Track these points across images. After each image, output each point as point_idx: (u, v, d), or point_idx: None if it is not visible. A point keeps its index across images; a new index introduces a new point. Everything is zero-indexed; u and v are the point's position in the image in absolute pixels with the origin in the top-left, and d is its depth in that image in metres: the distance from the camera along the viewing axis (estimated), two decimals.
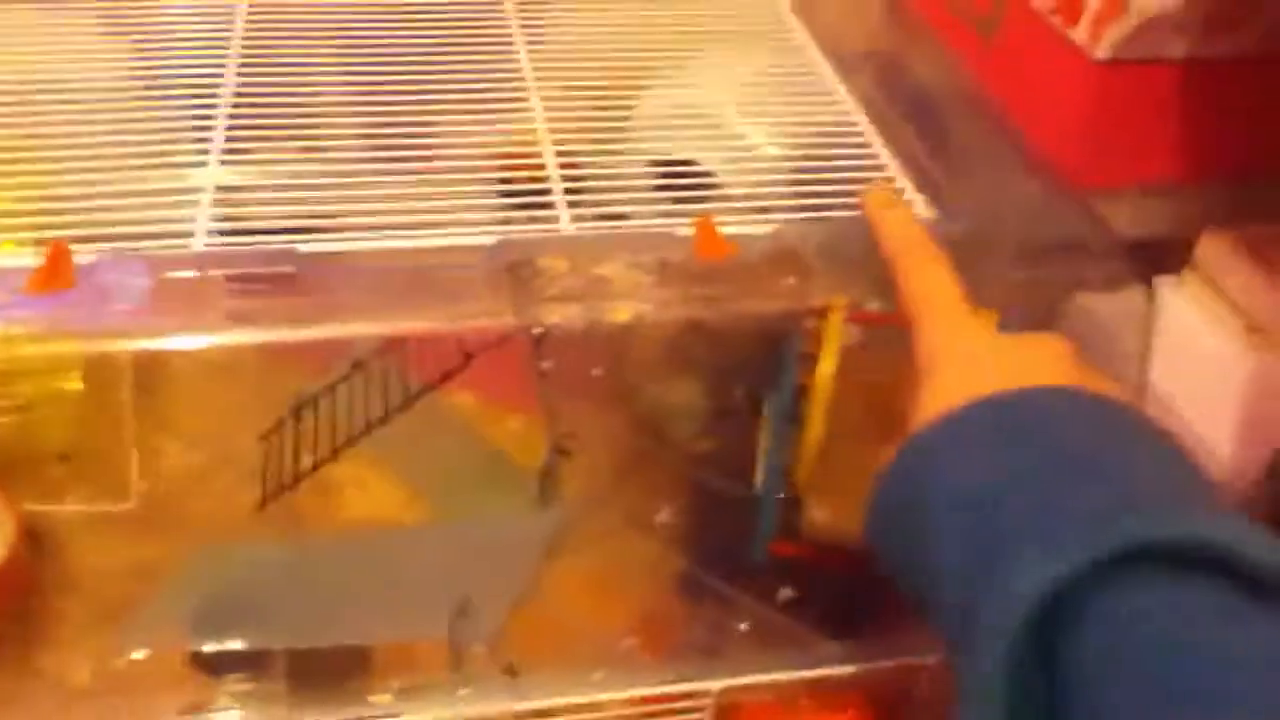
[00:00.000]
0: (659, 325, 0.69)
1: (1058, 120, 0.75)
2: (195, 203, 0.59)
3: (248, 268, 0.55)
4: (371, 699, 0.66)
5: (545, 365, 0.80)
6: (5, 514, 0.76)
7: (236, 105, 0.66)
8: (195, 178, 0.60)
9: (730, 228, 0.58)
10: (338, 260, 0.56)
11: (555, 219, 0.60)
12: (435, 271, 0.58)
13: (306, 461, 0.81)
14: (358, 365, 0.85)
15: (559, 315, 0.62)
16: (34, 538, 0.79)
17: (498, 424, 0.90)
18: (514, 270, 0.57)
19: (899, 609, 0.71)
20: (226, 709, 0.66)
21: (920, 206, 0.63)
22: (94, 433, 0.86)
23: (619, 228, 0.61)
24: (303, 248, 0.56)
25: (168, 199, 0.58)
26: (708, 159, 0.71)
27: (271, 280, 0.56)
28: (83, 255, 0.54)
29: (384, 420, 0.80)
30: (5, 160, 0.60)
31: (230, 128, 0.65)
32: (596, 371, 0.74)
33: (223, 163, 0.63)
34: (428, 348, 0.86)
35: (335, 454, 0.80)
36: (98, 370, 0.87)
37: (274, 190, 0.61)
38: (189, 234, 0.57)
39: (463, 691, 0.64)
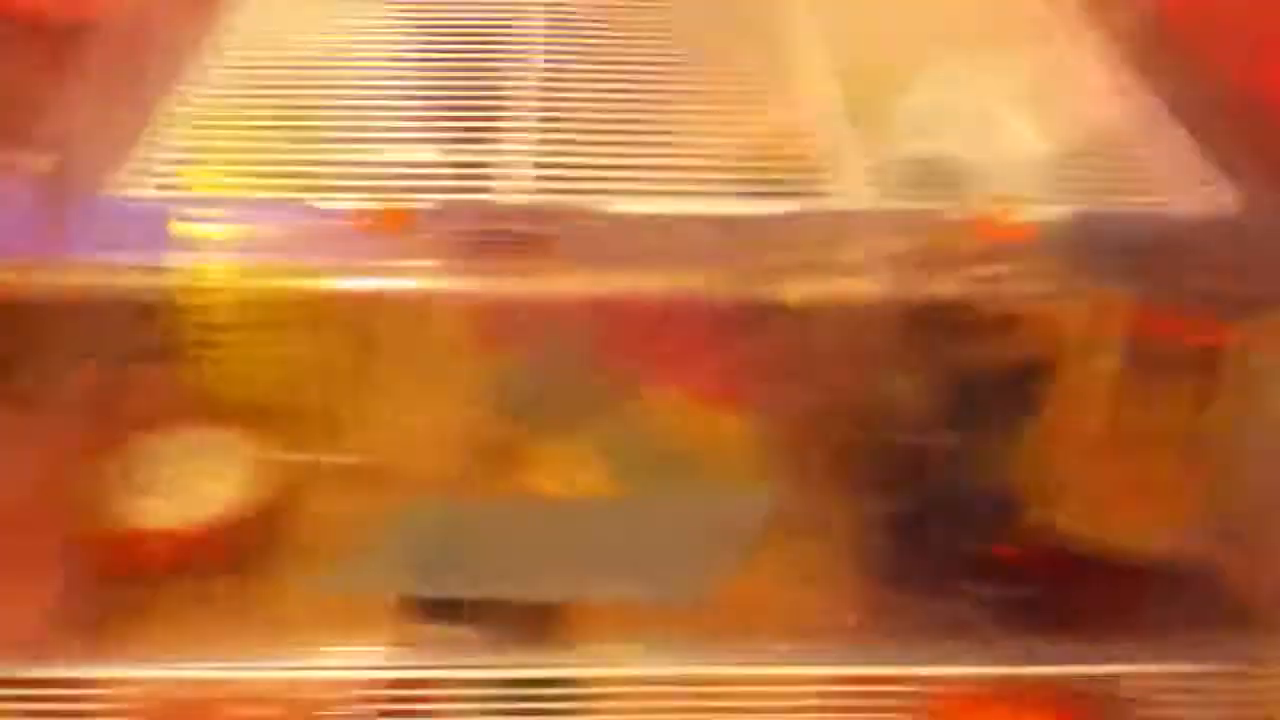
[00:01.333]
0: (903, 309, 0.70)
1: None
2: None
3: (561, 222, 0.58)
4: (580, 647, 0.68)
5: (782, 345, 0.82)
6: (254, 458, 0.82)
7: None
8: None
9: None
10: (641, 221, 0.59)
11: (827, 194, 0.61)
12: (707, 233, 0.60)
13: (515, 434, 0.85)
14: (572, 346, 0.88)
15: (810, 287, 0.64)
16: (277, 483, 0.84)
17: (705, 421, 0.92)
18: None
19: (1113, 617, 0.69)
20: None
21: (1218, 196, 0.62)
22: (327, 392, 0.91)
23: (892, 209, 0.61)
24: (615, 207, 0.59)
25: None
26: (973, 156, 0.70)
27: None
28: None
29: (593, 404, 0.83)
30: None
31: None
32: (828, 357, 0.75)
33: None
34: (641, 333, 0.89)
35: (544, 431, 0.83)
36: (328, 333, 0.93)
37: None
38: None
39: (669, 652, 0.65)
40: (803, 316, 0.75)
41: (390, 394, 0.93)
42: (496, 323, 1.00)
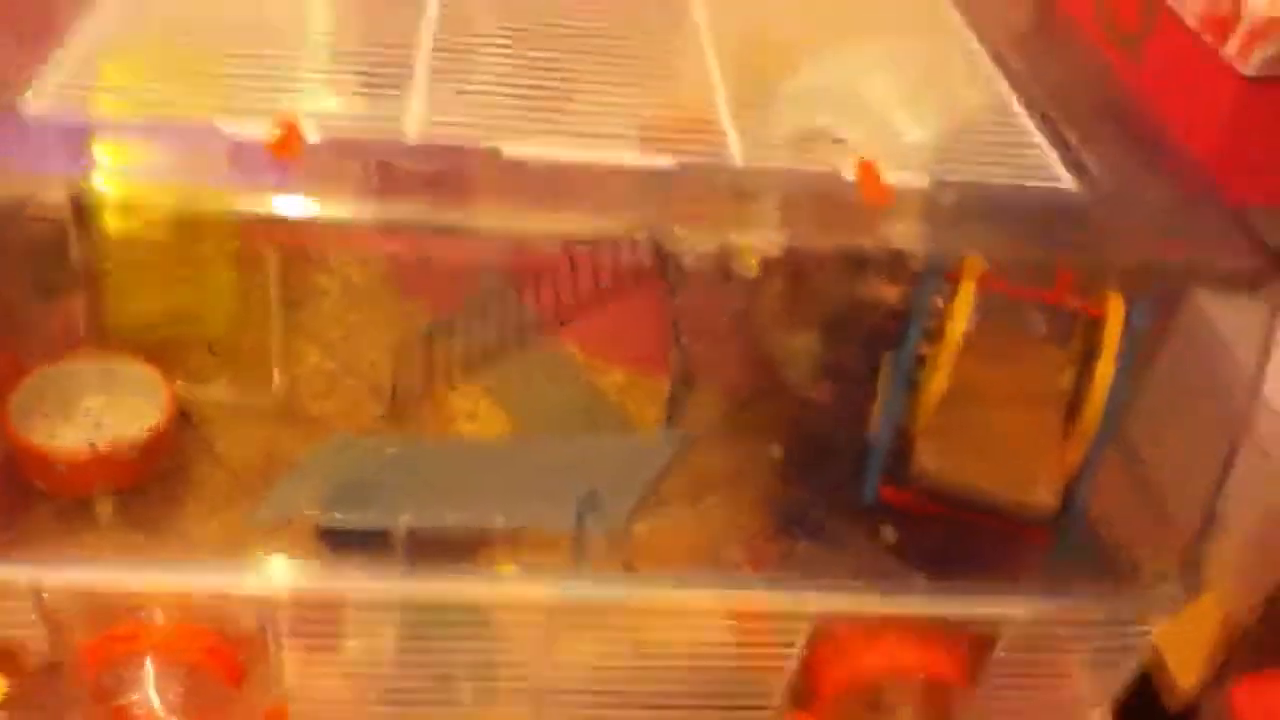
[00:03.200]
0: (788, 263, 0.74)
1: (1203, 135, 0.78)
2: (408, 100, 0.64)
3: (452, 161, 0.60)
4: (495, 570, 0.71)
5: (679, 300, 0.85)
6: (161, 388, 0.83)
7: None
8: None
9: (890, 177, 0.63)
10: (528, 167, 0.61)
11: (727, 153, 0.64)
12: (609, 182, 0.62)
13: (432, 381, 0.87)
14: (486, 299, 0.91)
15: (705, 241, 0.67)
16: (184, 414, 0.85)
17: (603, 375, 0.96)
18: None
19: (997, 558, 0.74)
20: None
21: (1066, 181, 0.67)
22: (243, 330, 0.92)
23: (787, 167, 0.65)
24: (506, 150, 0.61)
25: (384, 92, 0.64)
26: (850, 133, 0.75)
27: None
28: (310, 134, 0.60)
29: (502, 352, 0.85)
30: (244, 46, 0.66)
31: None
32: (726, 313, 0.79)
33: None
34: (550, 288, 0.92)
35: (456, 378, 0.85)
36: (250, 269, 0.94)
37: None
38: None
39: (582, 578, 0.68)
40: (696, 273, 0.79)
41: (301, 333, 0.95)
42: (408, 269, 1.02)
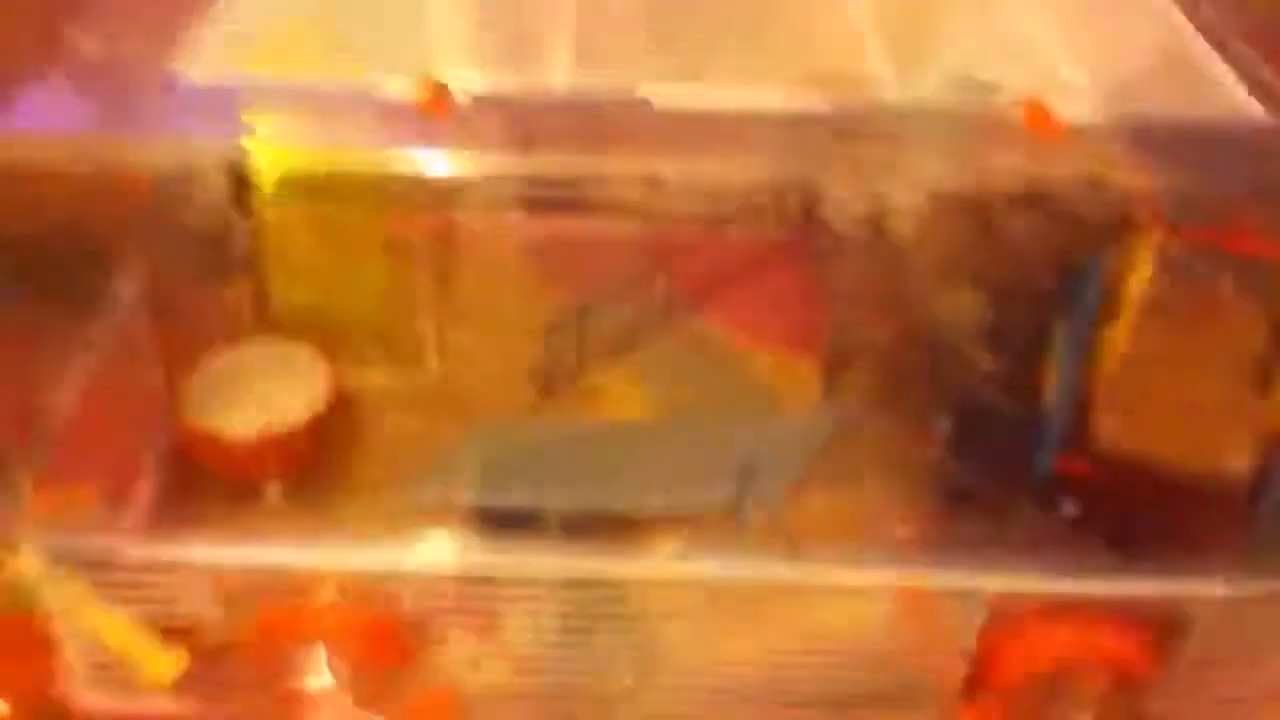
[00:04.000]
0: (952, 218, 0.70)
1: None
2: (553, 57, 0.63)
3: (603, 112, 0.59)
4: (655, 548, 0.70)
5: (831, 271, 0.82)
6: (324, 371, 0.84)
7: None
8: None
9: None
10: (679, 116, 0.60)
11: (880, 91, 0.61)
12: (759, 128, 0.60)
13: (582, 364, 0.86)
14: (635, 281, 0.89)
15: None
16: (345, 398, 0.86)
17: (756, 358, 0.94)
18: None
19: (1184, 534, 0.69)
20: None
21: (1252, 107, 0.62)
22: (398, 315, 0.94)
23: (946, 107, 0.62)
24: (656, 100, 0.60)
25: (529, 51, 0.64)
26: (1011, 77, 0.71)
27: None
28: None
29: (651, 334, 0.84)
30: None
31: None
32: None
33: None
34: (698, 267, 0.90)
35: (601, 363, 0.85)
36: (403, 255, 0.95)
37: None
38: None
39: (743, 556, 0.66)
40: (849, 236, 0.76)
41: (455, 319, 0.96)
42: (557, 256, 1.02)
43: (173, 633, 0.67)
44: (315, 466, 0.83)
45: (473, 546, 0.68)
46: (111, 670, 0.70)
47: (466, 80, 0.61)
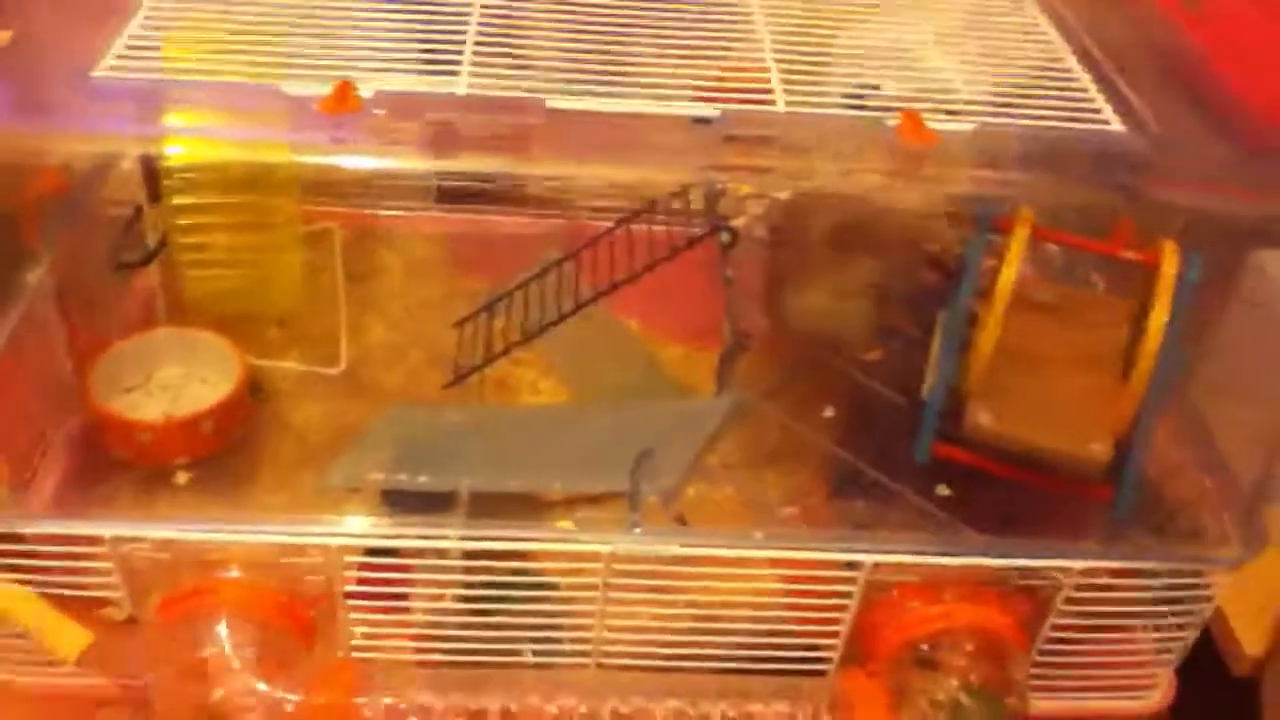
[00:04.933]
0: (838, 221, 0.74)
1: (1261, 89, 0.77)
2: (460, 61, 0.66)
3: (500, 114, 0.62)
4: (554, 523, 0.72)
5: (729, 272, 0.86)
6: (234, 358, 0.86)
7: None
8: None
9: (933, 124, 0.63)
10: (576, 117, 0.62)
11: (772, 103, 0.65)
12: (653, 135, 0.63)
13: (492, 354, 0.88)
14: (544, 271, 0.92)
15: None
16: (256, 385, 0.88)
17: (661, 349, 0.97)
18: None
19: (1052, 512, 0.74)
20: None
21: (1115, 123, 0.67)
22: (311, 306, 0.96)
23: (831, 114, 0.66)
24: (549, 102, 0.62)
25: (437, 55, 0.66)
26: (898, 90, 0.75)
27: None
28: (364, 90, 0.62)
29: (560, 320, 0.86)
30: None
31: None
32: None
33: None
34: (606, 259, 0.93)
35: (511, 349, 0.87)
36: (316, 246, 0.97)
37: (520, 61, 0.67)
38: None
39: (637, 530, 0.69)
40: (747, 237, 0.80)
41: (366, 308, 0.98)
42: (467, 245, 1.04)
43: (79, 608, 0.68)
44: (225, 452, 0.84)
45: (379, 522, 0.70)
46: (18, 646, 0.71)
47: (376, 83, 0.63)
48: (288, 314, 0.96)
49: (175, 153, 0.77)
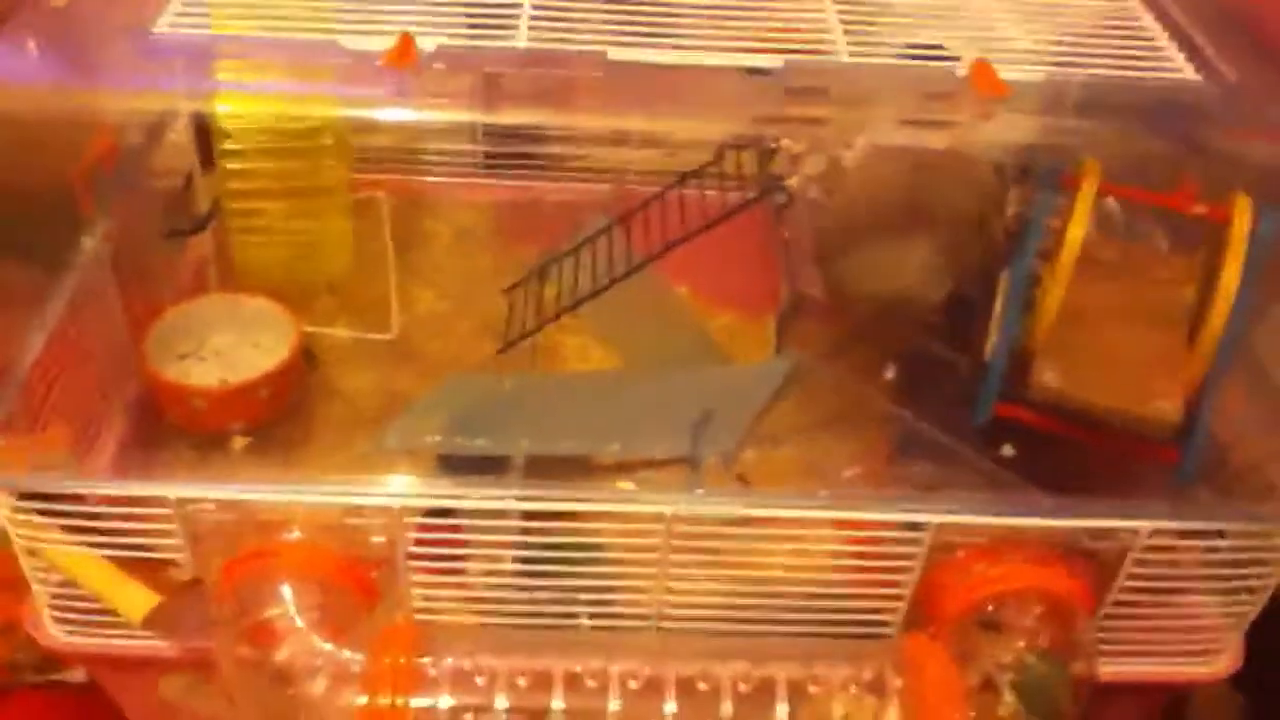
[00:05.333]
0: (902, 173, 0.72)
1: None
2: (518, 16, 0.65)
3: (562, 67, 0.61)
4: (615, 484, 0.72)
5: (786, 234, 0.85)
6: (288, 324, 0.86)
7: None
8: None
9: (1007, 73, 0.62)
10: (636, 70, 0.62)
11: (833, 52, 0.64)
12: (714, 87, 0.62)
13: (542, 320, 0.88)
14: (593, 237, 0.91)
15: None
16: (309, 353, 0.88)
17: (710, 318, 0.97)
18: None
19: (1117, 473, 0.73)
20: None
21: (1189, 72, 0.65)
22: (360, 273, 0.95)
23: (898, 65, 0.64)
24: (611, 54, 0.62)
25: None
26: (961, 46, 0.74)
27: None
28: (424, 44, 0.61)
29: (610, 285, 0.86)
30: None
31: None
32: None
33: None
34: (657, 224, 0.92)
35: (561, 314, 0.86)
36: (365, 211, 0.97)
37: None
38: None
39: (699, 491, 0.68)
40: (802, 196, 0.79)
41: (416, 276, 0.97)
42: (517, 212, 1.03)
43: (143, 571, 0.68)
44: (279, 418, 0.84)
45: (436, 484, 0.70)
46: (83, 608, 0.71)
47: (436, 39, 0.63)
48: (338, 281, 0.95)
49: (232, 113, 0.77)
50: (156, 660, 0.73)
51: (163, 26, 0.65)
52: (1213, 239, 0.72)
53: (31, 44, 0.66)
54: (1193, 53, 0.67)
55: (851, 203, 0.77)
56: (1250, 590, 0.75)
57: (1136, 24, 0.71)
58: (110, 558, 0.68)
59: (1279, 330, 0.78)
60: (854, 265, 0.78)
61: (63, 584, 0.70)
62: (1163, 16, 0.72)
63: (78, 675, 0.92)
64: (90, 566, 0.68)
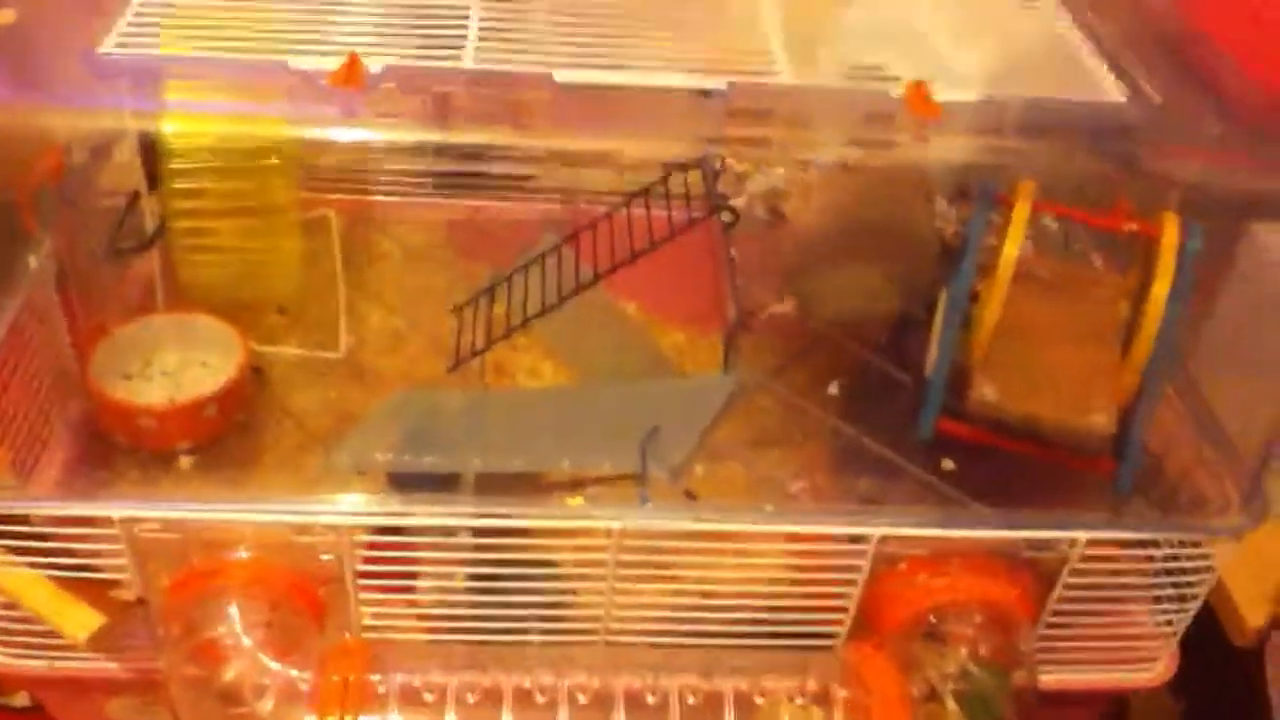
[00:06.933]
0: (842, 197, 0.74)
1: (1262, 62, 0.77)
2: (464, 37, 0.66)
3: (509, 88, 0.62)
4: (565, 500, 0.73)
5: (733, 252, 0.86)
6: (235, 341, 0.85)
7: None
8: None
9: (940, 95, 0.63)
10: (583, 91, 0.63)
11: (776, 74, 0.65)
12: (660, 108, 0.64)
13: (492, 338, 0.88)
14: (542, 255, 0.92)
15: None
16: (257, 371, 0.88)
17: (662, 335, 0.98)
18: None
19: (1055, 486, 0.75)
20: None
21: (1119, 94, 0.67)
22: (309, 291, 0.95)
23: (836, 86, 0.66)
24: (558, 76, 0.63)
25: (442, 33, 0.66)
26: (900, 67, 0.75)
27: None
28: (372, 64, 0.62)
29: (558, 304, 0.86)
30: None
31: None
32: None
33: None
34: (605, 242, 0.93)
35: (511, 332, 0.87)
36: (315, 230, 0.97)
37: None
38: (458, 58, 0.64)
39: (647, 505, 0.69)
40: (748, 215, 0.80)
41: (366, 294, 0.98)
42: (466, 231, 1.04)
43: (88, 591, 0.68)
44: (227, 437, 0.84)
45: (390, 501, 0.70)
46: (26, 630, 0.70)
47: (383, 58, 0.63)
48: (287, 300, 0.95)
49: (179, 132, 0.77)
50: (103, 682, 0.72)
51: (110, 46, 0.65)
52: (1144, 255, 0.74)
53: None
54: (1122, 75, 0.69)
55: (818, 220, 0.78)
56: (1184, 598, 0.77)
57: (1071, 47, 0.73)
58: (54, 578, 0.68)
59: (1209, 343, 0.81)
60: (818, 283, 0.79)
61: (5, 605, 0.69)
62: (1095, 40, 0.74)
63: (21, 700, 0.91)
64: (33, 587, 0.67)
